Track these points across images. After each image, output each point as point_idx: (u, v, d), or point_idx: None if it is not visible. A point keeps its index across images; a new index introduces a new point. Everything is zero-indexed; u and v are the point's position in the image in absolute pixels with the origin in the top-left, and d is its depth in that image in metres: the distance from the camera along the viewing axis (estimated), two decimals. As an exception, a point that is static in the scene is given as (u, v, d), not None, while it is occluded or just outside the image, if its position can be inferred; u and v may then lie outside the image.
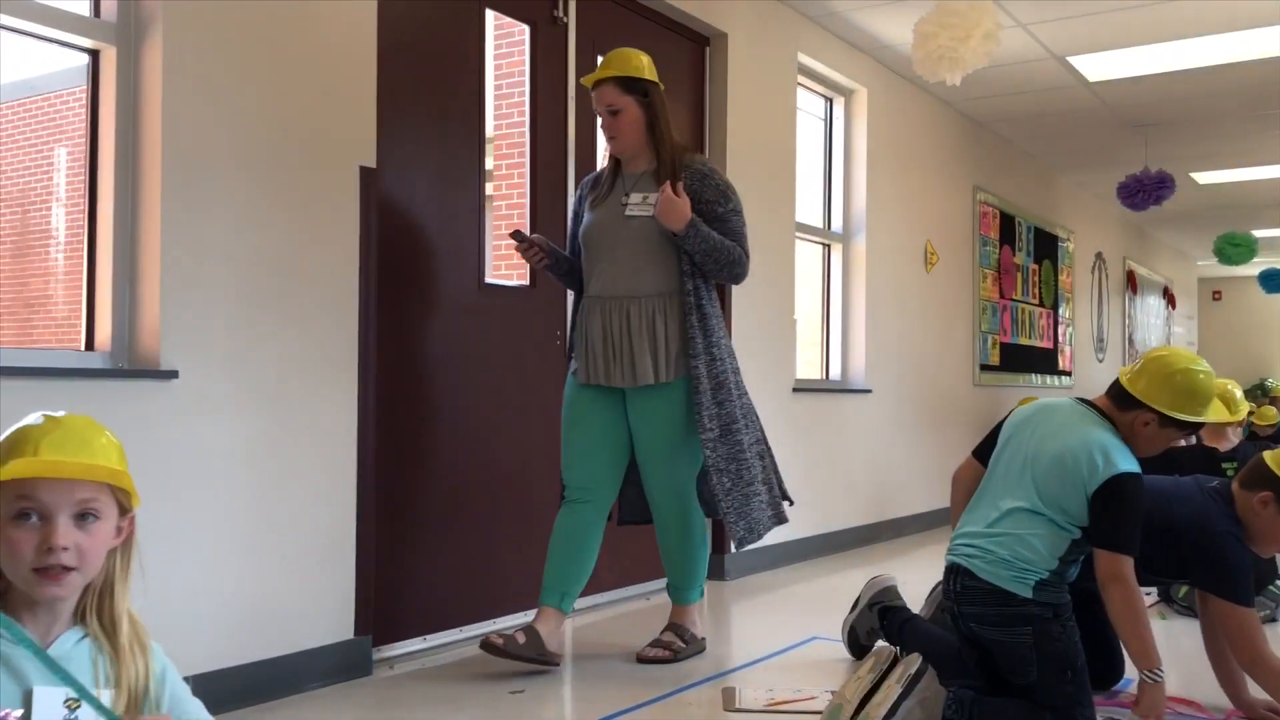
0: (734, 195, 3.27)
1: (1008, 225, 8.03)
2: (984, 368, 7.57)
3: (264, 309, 2.84)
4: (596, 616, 3.98)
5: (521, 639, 3.06)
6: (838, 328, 6.02)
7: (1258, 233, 11.99)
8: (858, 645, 3.27)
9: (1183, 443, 4.16)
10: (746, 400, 3.34)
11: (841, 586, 4.26)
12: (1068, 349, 9.35)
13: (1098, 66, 6.16)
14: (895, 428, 6.32)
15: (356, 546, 3.06)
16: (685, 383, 3.18)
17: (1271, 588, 3.96)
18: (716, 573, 4.70)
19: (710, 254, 3.16)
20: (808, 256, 6.03)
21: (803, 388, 5.38)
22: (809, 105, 5.98)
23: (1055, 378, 9.00)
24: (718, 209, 3.21)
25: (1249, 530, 2.71)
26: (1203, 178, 9.29)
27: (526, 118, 3.95)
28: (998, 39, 4.11)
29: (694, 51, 4.74)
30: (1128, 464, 2.48)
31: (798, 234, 5.56)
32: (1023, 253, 8.31)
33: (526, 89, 3.96)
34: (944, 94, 6.78)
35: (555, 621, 3.19)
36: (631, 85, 3.19)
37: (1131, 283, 11.52)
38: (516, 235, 3.27)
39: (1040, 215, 8.74)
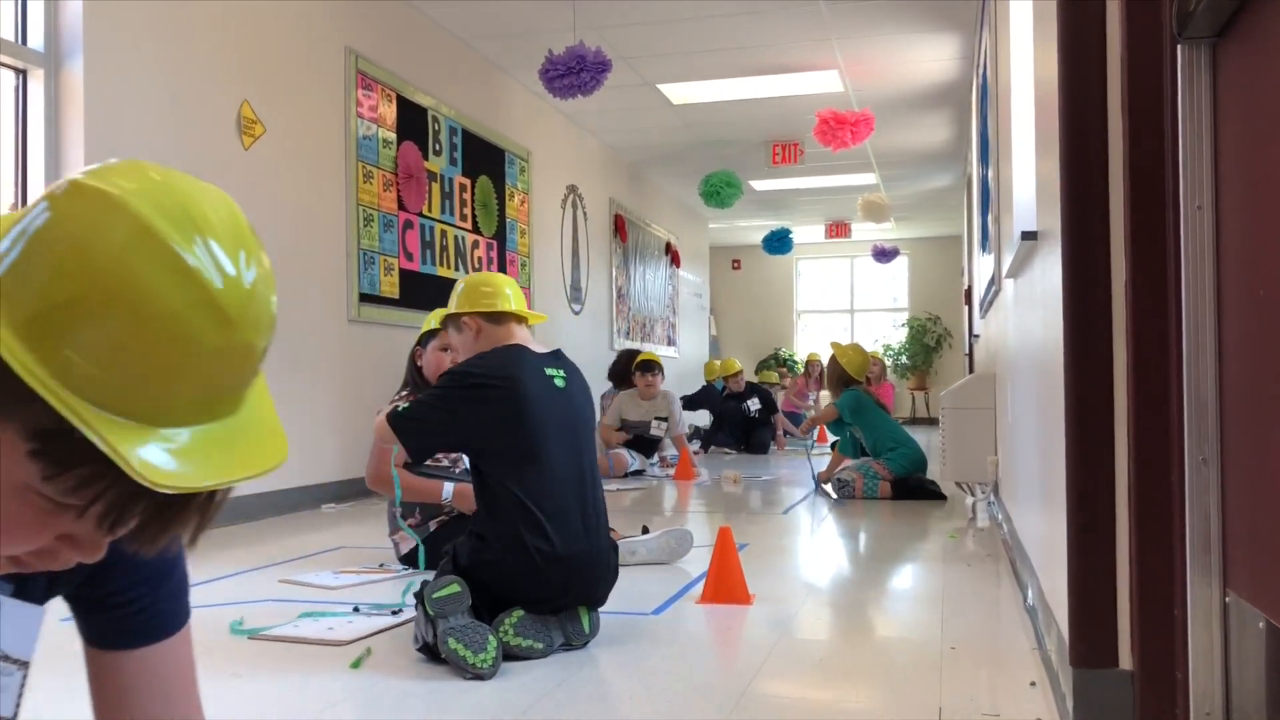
0: None
1: (412, 116, 6.09)
2: (368, 299, 5.58)
3: None
4: None
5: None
6: (39, 206, 3.72)
7: (755, 184, 11.14)
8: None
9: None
10: None
11: None
12: (525, 292, 7.63)
13: None
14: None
15: None
16: None
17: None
18: None
19: None
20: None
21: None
22: None
23: (503, 326, 7.22)
24: None
25: None
26: (674, 92, 7.95)
27: None
28: None
29: None
30: None
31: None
32: (442, 158, 6.42)
33: None
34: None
35: None
36: None
37: (620, 230, 10.14)
38: None
39: (477, 120, 6.92)
